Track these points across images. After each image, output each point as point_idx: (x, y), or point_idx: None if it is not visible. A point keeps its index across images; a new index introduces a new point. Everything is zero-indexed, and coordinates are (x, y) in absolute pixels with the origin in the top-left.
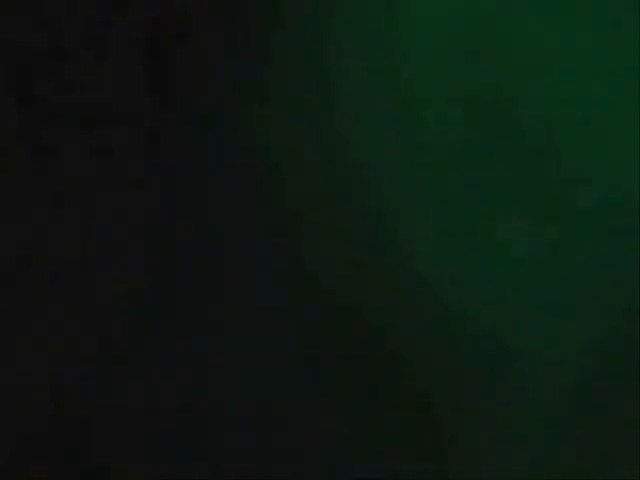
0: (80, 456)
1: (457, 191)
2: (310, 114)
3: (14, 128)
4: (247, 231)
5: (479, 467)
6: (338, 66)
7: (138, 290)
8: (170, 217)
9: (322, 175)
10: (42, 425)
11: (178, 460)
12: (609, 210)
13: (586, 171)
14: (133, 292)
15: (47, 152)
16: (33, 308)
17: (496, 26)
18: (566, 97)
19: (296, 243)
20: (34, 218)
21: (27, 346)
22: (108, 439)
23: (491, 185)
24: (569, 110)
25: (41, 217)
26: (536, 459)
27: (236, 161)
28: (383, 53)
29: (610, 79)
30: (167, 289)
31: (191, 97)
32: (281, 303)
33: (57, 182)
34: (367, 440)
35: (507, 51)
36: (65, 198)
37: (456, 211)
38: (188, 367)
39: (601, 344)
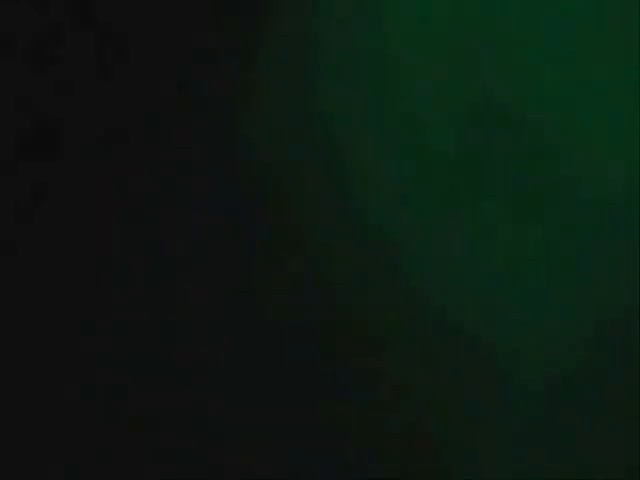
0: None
1: (456, 191)
2: (307, 116)
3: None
4: (247, 231)
5: (479, 467)
6: (337, 66)
7: (138, 291)
8: (169, 217)
9: (321, 174)
10: None
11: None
12: (609, 210)
13: (586, 171)
14: (132, 291)
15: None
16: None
17: (489, 25)
18: (563, 97)
19: (296, 245)
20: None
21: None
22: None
23: (489, 185)
24: (567, 110)
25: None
26: (536, 459)
27: (235, 161)
28: (378, 55)
29: (608, 78)
30: (164, 288)
31: (191, 97)
32: (280, 301)
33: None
34: (367, 441)
35: (501, 51)
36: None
37: (455, 212)
38: (187, 362)
39: (601, 344)
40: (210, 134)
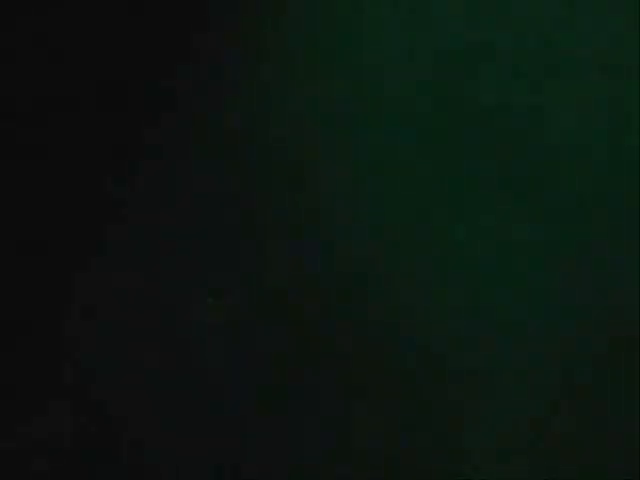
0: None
1: (447, 190)
2: (307, 116)
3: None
4: (247, 231)
5: (479, 467)
6: (337, 66)
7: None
8: (170, 216)
9: (321, 174)
10: None
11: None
12: (609, 209)
13: (584, 171)
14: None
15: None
16: None
17: (486, 27)
18: (556, 94)
19: (295, 247)
20: None
21: None
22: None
23: (488, 186)
24: (562, 108)
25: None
26: (536, 459)
27: (235, 161)
28: (379, 55)
29: (608, 78)
30: (161, 290)
31: (191, 97)
32: (280, 301)
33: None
34: (367, 440)
35: (501, 50)
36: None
37: (454, 211)
38: (187, 359)
39: (598, 346)
40: (210, 134)
